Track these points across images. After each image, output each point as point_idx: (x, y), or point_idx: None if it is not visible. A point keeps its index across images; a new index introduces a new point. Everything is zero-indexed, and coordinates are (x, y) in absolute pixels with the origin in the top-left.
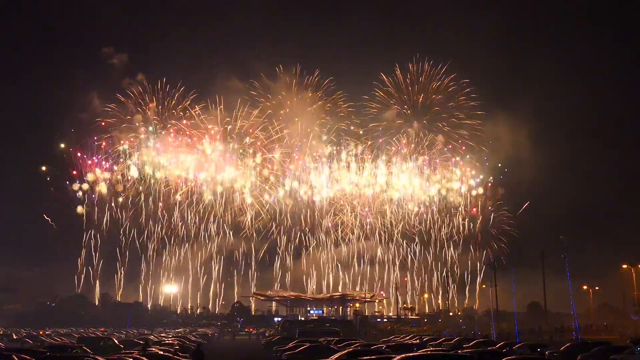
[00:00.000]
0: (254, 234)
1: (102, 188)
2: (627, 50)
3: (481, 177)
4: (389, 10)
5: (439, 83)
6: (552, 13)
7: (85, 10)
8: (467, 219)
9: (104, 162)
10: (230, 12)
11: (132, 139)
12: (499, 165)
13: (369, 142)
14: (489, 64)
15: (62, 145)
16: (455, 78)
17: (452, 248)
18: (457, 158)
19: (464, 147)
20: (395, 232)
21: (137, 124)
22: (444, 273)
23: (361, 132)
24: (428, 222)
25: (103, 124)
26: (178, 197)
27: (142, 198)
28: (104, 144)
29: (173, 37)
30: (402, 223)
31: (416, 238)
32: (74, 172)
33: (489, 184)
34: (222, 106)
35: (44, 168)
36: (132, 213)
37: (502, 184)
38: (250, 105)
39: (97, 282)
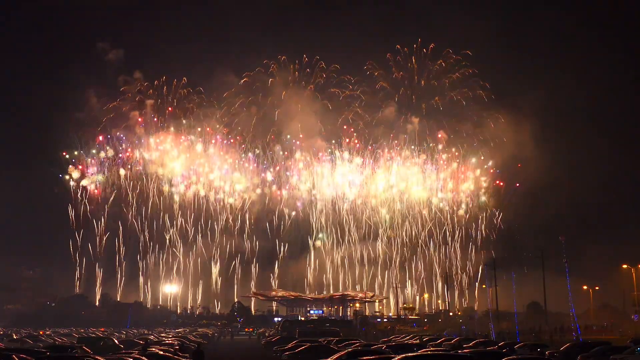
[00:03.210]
0: (255, 234)
1: (102, 187)
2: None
3: (484, 175)
4: (391, 7)
5: (442, 79)
6: (559, 11)
7: (80, 5)
8: (467, 218)
9: (103, 161)
10: (228, 7)
11: (130, 137)
12: (499, 166)
13: (370, 140)
14: (493, 61)
15: (60, 145)
16: (459, 75)
17: (452, 248)
18: (458, 154)
19: (465, 145)
20: (396, 231)
21: (134, 122)
22: (445, 273)
23: (362, 130)
24: (428, 221)
25: (101, 121)
26: (178, 196)
27: (142, 197)
28: (102, 142)
29: (169, 33)
30: (403, 222)
31: (417, 237)
32: (70, 168)
33: (491, 183)
34: (220, 104)
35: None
36: (132, 212)
37: (504, 183)
38: (250, 104)
39: (98, 282)
